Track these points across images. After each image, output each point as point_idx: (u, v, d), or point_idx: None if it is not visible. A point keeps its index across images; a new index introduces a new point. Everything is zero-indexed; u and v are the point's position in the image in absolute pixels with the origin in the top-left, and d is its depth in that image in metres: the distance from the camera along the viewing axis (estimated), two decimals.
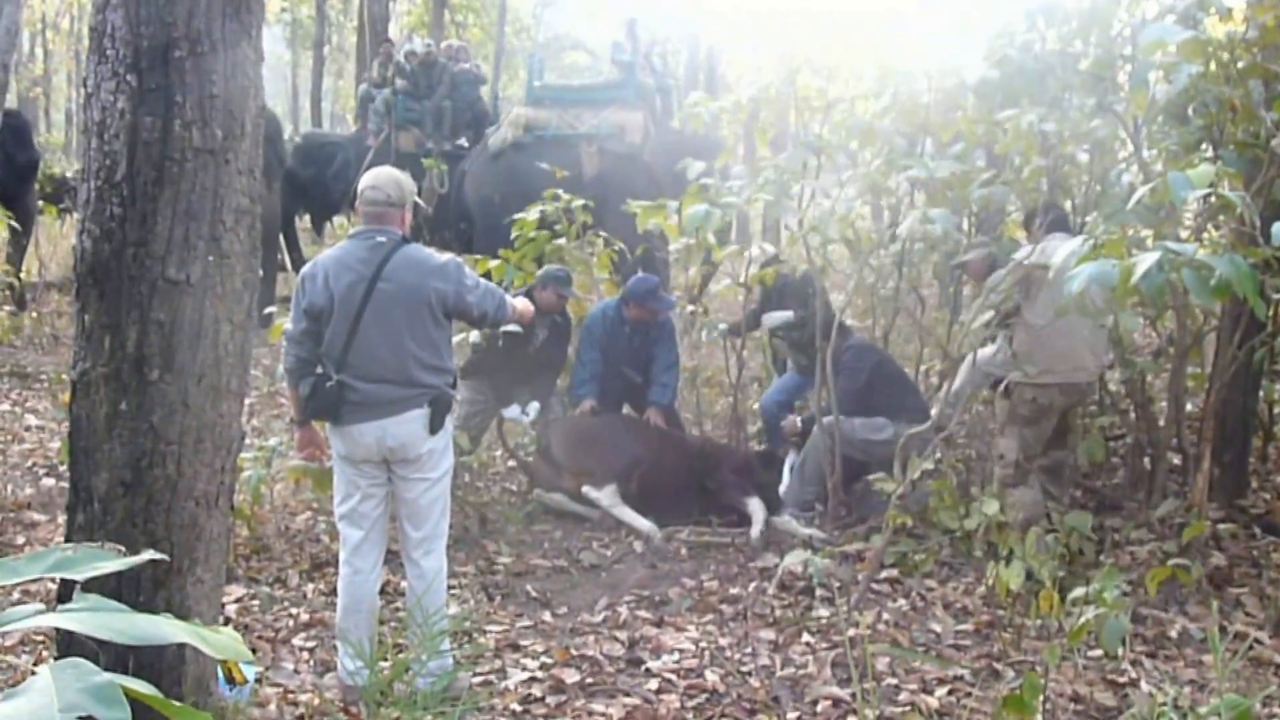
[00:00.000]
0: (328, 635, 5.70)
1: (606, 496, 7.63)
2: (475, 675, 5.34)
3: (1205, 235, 6.95)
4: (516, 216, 9.06)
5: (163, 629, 1.95)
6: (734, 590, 6.51)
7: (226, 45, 3.86)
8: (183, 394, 3.90)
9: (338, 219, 18.48)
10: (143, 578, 3.94)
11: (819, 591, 6.34)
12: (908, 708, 5.01)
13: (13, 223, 14.00)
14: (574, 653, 5.63)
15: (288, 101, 45.34)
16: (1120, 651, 5.21)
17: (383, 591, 5.68)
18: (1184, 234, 6.61)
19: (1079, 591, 4.88)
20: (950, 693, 5.17)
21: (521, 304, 5.68)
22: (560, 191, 9.29)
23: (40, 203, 15.84)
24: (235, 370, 4.10)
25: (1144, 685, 5.17)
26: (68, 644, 3.77)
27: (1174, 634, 5.76)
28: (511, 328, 6.44)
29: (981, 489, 6.78)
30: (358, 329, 5.01)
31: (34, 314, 14.21)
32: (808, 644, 5.75)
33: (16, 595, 5.80)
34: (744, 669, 5.45)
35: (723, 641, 5.78)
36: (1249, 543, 6.85)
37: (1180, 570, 5.56)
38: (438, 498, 5.24)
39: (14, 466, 8.50)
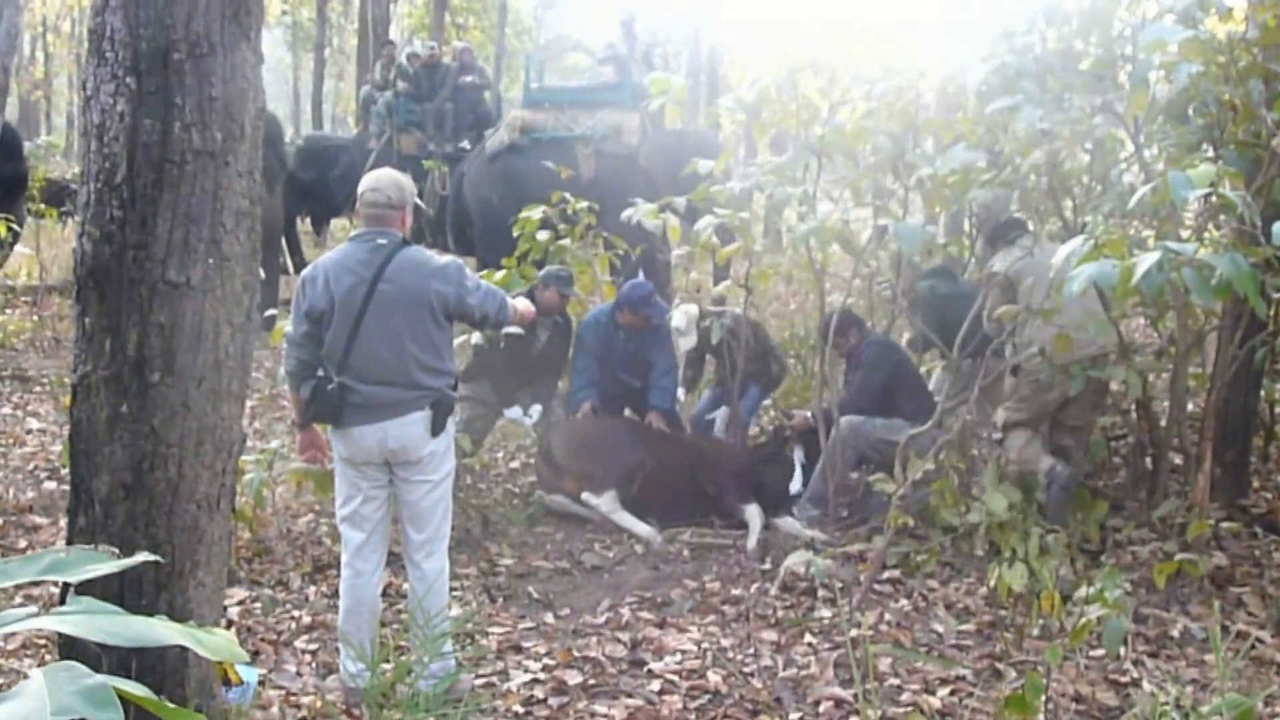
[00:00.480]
0: (330, 637, 5.70)
1: (606, 502, 7.63)
2: (477, 677, 5.34)
3: (1206, 235, 6.94)
4: (520, 216, 9.04)
5: (157, 631, 1.95)
6: (736, 591, 6.51)
7: (226, 48, 3.86)
8: (183, 397, 3.91)
9: (338, 221, 18.48)
10: (144, 580, 3.94)
11: (821, 592, 6.34)
12: (910, 708, 5.01)
13: (15, 227, 14.00)
14: (576, 654, 5.63)
15: (289, 104, 45.37)
16: (1122, 651, 5.20)
17: (385, 593, 5.68)
18: (1185, 234, 6.61)
19: (1081, 592, 4.88)
20: (952, 693, 5.17)
21: (523, 305, 5.67)
22: (566, 195, 9.28)
23: (42, 206, 15.83)
24: (236, 373, 4.10)
25: (1146, 685, 5.17)
26: (70, 648, 3.77)
27: (1176, 633, 5.76)
28: (513, 329, 6.43)
29: (983, 489, 6.77)
30: (359, 331, 5.00)
31: (35, 317, 14.20)
32: (810, 645, 5.75)
33: (19, 599, 5.80)
34: (746, 670, 5.45)
35: (725, 642, 5.78)
36: (1250, 542, 6.85)
37: (1188, 564, 5.56)
38: (439, 500, 5.23)
39: (16, 470, 8.50)
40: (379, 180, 5.22)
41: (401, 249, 5.10)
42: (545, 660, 5.57)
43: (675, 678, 5.35)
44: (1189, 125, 6.77)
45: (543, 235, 8.80)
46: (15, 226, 13.82)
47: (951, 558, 6.76)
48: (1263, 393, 7.78)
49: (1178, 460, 7.33)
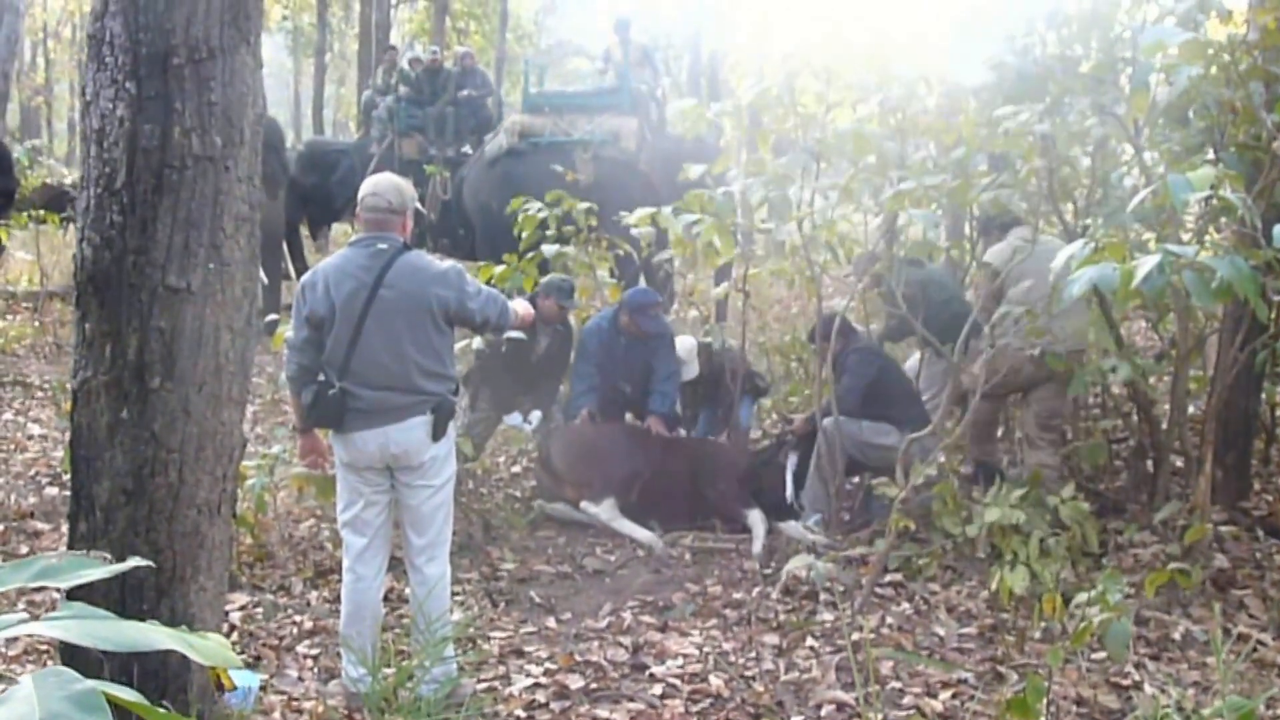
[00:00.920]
0: (331, 642, 5.70)
1: (605, 511, 7.62)
2: (479, 681, 5.34)
3: (1207, 238, 6.95)
4: (520, 215, 9.00)
5: (150, 636, 1.94)
6: (738, 595, 6.51)
7: (225, 52, 3.86)
8: (184, 402, 3.91)
9: (339, 226, 18.46)
10: (145, 586, 3.94)
11: (823, 596, 6.34)
12: (912, 711, 5.01)
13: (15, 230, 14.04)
14: (578, 658, 5.63)
15: (290, 109, 45.36)
16: (1124, 654, 5.20)
17: (386, 598, 5.68)
18: (1185, 236, 6.62)
19: (1082, 595, 4.88)
20: (954, 696, 5.17)
21: (522, 308, 5.67)
22: (564, 194, 9.24)
23: (42, 211, 15.85)
24: (236, 378, 4.10)
25: (1147, 688, 5.17)
26: (70, 655, 3.77)
27: (1177, 636, 5.76)
28: (515, 334, 6.42)
29: (984, 492, 6.77)
30: (359, 336, 5.00)
31: (36, 323, 14.20)
32: (812, 648, 5.75)
33: (22, 605, 5.80)
34: (748, 674, 5.45)
35: (727, 646, 5.77)
36: (1251, 545, 6.85)
37: (1180, 574, 5.56)
38: (441, 504, 5.23)
39: (17, 475, 8.50)
40: (379, 185, 5.22)
41: (402, 254, 5.10)
42: (547, 664, 5.57)
43: (677, 682, 5.35)
44: (1189, 128, 6.78)
45: (550, 250, 8.75)
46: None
47: (953, 561, 6.75)
48: (1264, 395, 7.78)
49: (1179, 463, 7.33)
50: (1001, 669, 5.43)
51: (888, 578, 6.57)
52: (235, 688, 4.66)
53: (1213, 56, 5.95)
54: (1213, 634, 4.59)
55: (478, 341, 7.53)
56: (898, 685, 5.30)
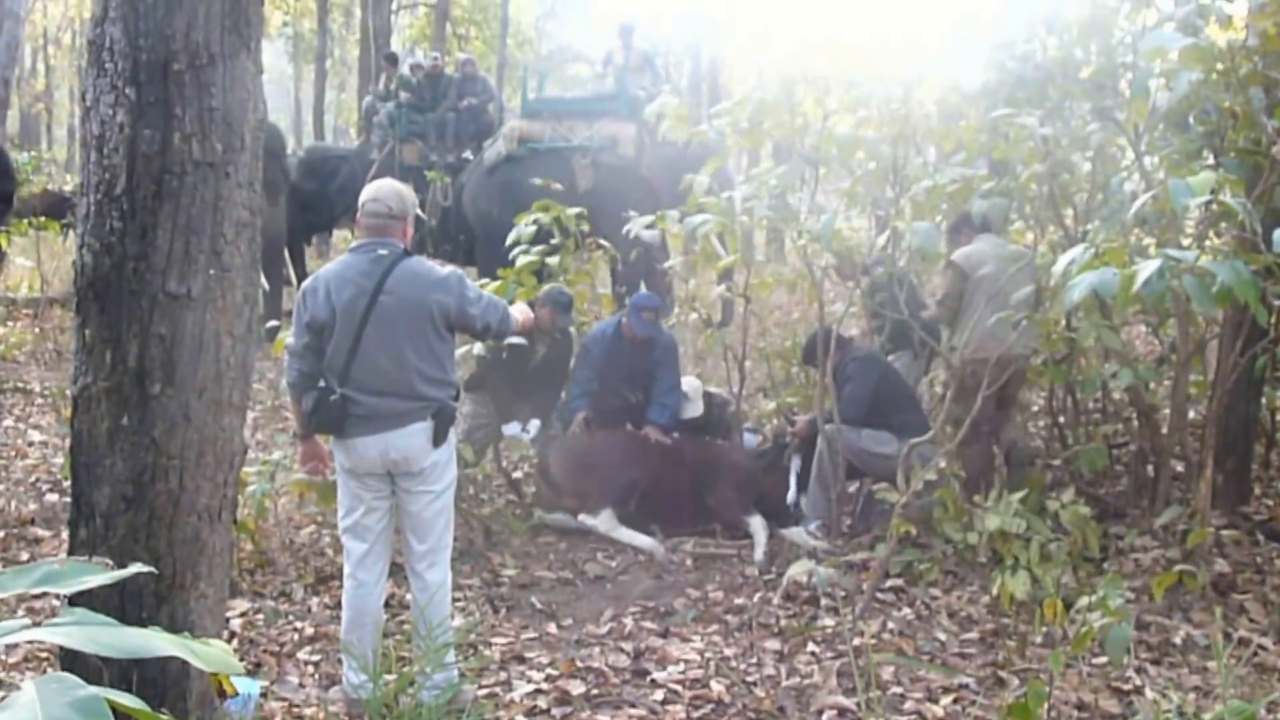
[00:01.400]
0: (332, 649, 5.70)
1: (603, 522, 7.61)
2: (480, 688, 5.34)
3: (1207, 242, 6.95)
4: (516, 229, 8.97)
5: (151, 642, 1.94)
6: (739, 600, 6.51)
7: (225, 58, 3.86)
8: (184, 408, 3.90)
9: (339, 232, 18.46)
10: (145, 592, 3.93)
11: (824, 601, 6.34)
12: (913, 716, 5.02)
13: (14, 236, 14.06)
14: (579, 664, 5.63)
15: (290, 115, 45.37)
16: (1125, 659, 5.20)
17: (387, 604, 5.68)
18: (1185, 241, 6.62)
19: (1083, 599, 4.88)
20: (955, 701, 5.17)
21: (522, 313, 5.66)
22: (550, 202, 9.17)
23: (42, 218, 15.86)
24: (237, 384, 4.09)
25: (1149, 692, 5.17)
26: (70, 661, 3.77)
27: (1178, 641, 5.76)
28: (515, 339, 6.42)
29: (985, 496, 6.77)
30: (360, 342, 5.00)
31: (37, 329, 14.21)
32: (813, 653, 5.75)
33: (22, 612, 5.80)
34: (749, 679, 5.45)
35: (728, 652, 5.78)
36: (1252, 549, 6.85)
37: (1186, 575, 5.56)
38: (441, 510, 5.23)
39: (18, 482, 8.50)
40: (380, 191, 5.22)
41: (402, 260, 5.09)
42: (548, 670, 5.57)
43: (678, 687, 5.35)
44: (1189, 133, 6.78)
45: (551, 260, 8.71)
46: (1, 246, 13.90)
47: (954, 566, 6.75)
48: (1264, 400, 7.78)
49: (1179, 468, 7.33)
50: (1003, 674, 5.43)
51: (889, 583, 6.57)
52: (236, 694, 4.66)
53: (1212, 62, 5.95)
54: (1213, 638, 4.60)
55: (478, 348, 7.52)
56: (899, 690, 5.30)
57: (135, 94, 3.77)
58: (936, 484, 6.84)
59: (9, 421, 10.34)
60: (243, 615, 6.14)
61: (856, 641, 5.68)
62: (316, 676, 5.54)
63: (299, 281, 14.12)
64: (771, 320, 14.28)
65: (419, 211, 5.42)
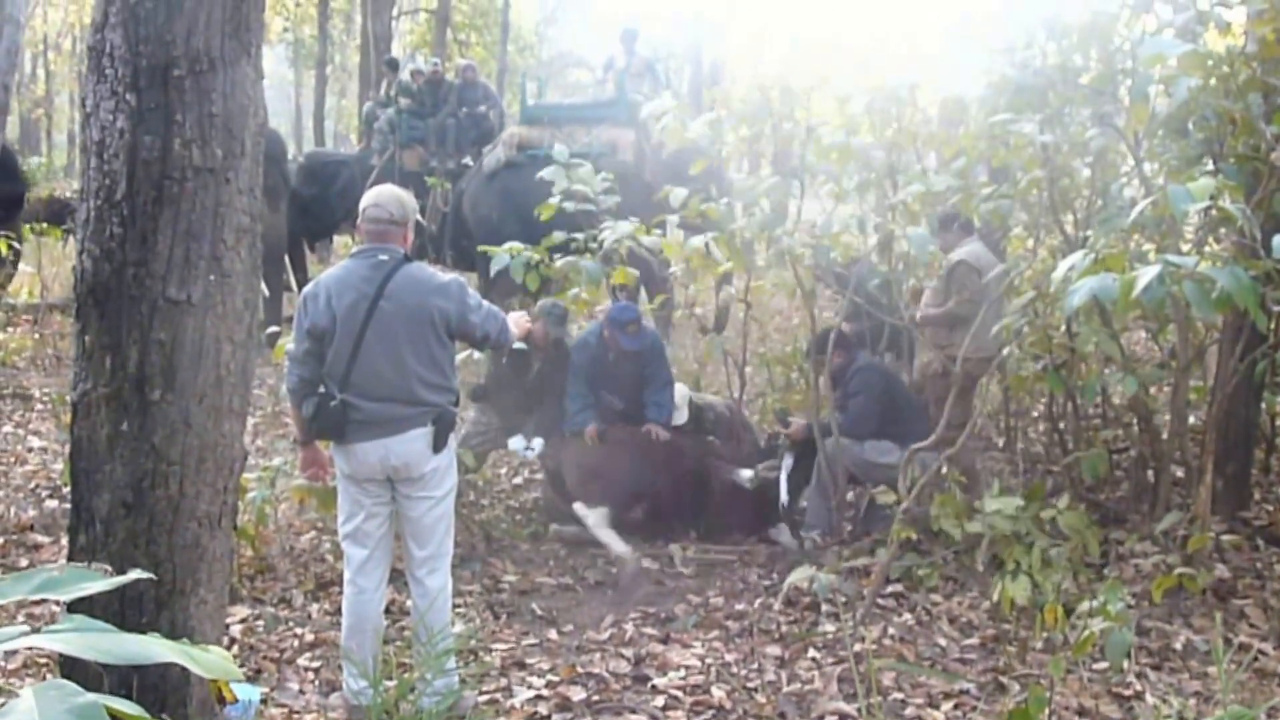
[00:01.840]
0: (333, 655, 5.70)
1: (594, 516, 7.60)
2: (481, 694, 5.34)
3: (1206, 248, 6.95)
4: (554, 238, 8.84)
5: (151, 648, 1.94)
6: (740, 606, 6.51)
7: (226, 64, 3.86)
8: (184, 414, 3.90)
9: (340, 238, 18.44)
10: (145, 598, 3.93)
11: (824, 607, 6.34)
12: None
13: (16, 245, 14.05)
14: (580, 670, 5.63)
15: (291, 121, 45.41)
16: (1125, 664, 5.20)
17: (388, 610, 5.68)
18: (1185, 247, 6.62)
19: (1084, 605, 4.88)
20: (956, 707, 5.17)
21: (517, 323, 5.65)
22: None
23: (44, 224, 15.88)
24: (237, 390, 4.09)
25: (1149, 698, 5.17)
26: (70, 667, 3.76)
27: (1178, 646, 5.76)
28: (518, 345, 6.41)
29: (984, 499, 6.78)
30: (360, 348, 5.00)
31: (37, 335, 14.20)
32: (813, 659, 5.75)
33: (21, 618, 5.80)
34: (750, 685, 5.45)
35: (729, 658, 5.78)
36: (1252, 554, 6.85)
37: (1185, 580, 5.56)
38: (442, 516, 5.23)
39: (17, 488, 8.49)
40: (381, 196, 5.22)
41: (403, 265, 5.10)
42: (549, 677, 5.57)
43: (679, 693, 5.35)
44: (1189, 139, 6.79)
45: (566, 261, 8.64)
46: (15, 245, 13.87)
47: (955, 572, 6.75)
48: (1263, 405, 7.77)
49: (1179, 473, 7.32)
50: (1003, 679, 5.43)
51: (889, 588, 6.57)
52: (236, 701, 4.64)
53: (1212, 68, 5.97)
54: (1214, 643, 4.59)
55: (478, 354, 7.51)
56: (900, 696, 5.30)
57: (136, 100, 3.77)
58: (937, 487, 6.85)
59: (8, 427, 10.34)
60: (243, 621, 6.14)
61: (857, 647, 5.68)
62: (317, 683, 5.54)
63: (300, 287, 14.14)
64: (772, 325, 14.29)
65: (419, 217, 5.41)
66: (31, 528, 7.56)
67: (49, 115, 42.44)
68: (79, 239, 3.94)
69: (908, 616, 6.27)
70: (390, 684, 4.89)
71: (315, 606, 6.46)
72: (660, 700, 5.29)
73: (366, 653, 5.06)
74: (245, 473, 5.47)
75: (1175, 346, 7.36)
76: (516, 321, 5.63)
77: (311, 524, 7.59)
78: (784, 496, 7.82)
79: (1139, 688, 5.28)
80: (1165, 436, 7.13)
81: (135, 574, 2.25)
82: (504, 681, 5.52)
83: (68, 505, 4.60)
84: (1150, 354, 10.43)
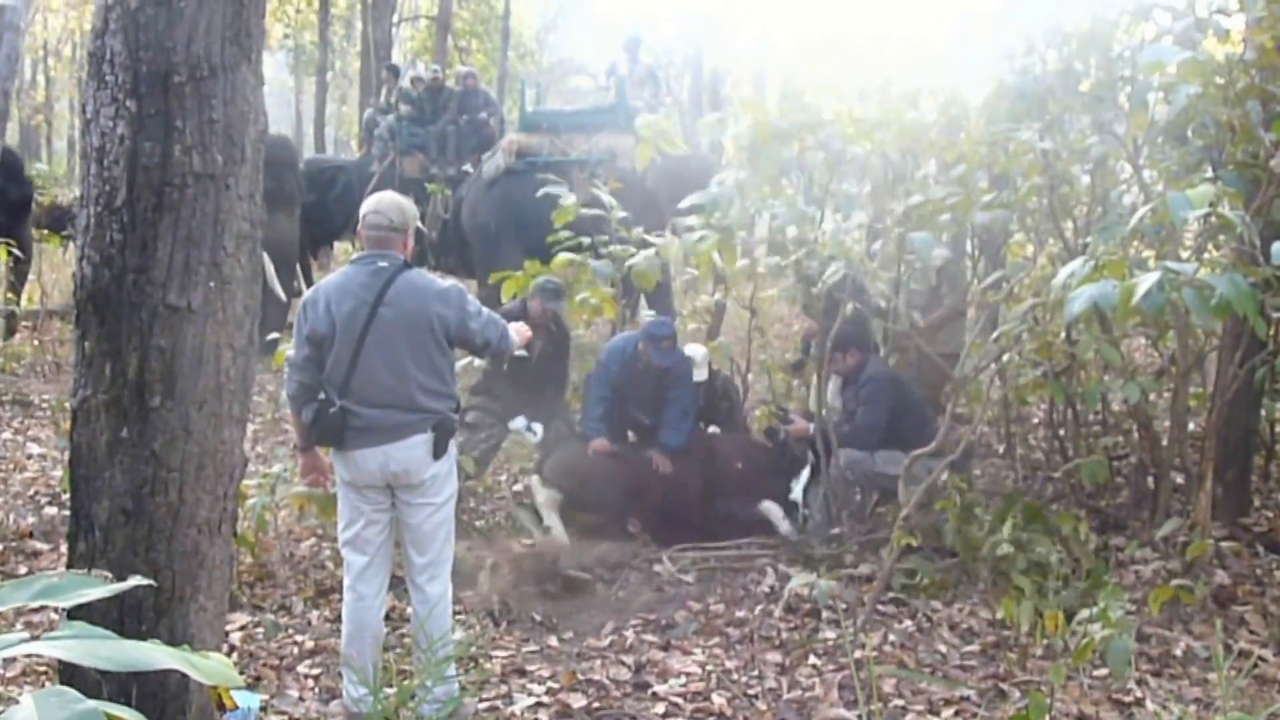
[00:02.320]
0: (333, 662, 5.69)
1: (543, 495, 7.61)
2: (481, 701, 5.33)
3: (1205, 255, 6.96)
4: (561, 238, 8.83)
5: (150, 655, 1.94)
6: (740, 613, 6.50)
7: (226, 70, 3.86)
8: (184, 421, 3.90)
9: (340, 244, 18.44)
10: (144, 605, 3.92)
11: (825, 614, 6.34)
12: None
13: (16, 251, 14.06)
14: (580, 677, 5.63)
15: (291, 127, 45.32)
16: (1125, 671, 5.20)
17: (388, 617, 5.68)
18: (1184, 254, 6.62)
19: (1084, 612, 4.88)
20: (956, 714, 5.17)
21: (518, 332, 5.65)
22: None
23: (44, 231, 15.90)
24: (237, 396, 4.09)
25: (1149, 704, 5.16)
26: (69, 675, 3.76)
27: (1179, 653, 5.75)
28: (520, 352, 6.41)
29: (987, 508, 6.77)
30: (360, 354, 5.01)
31: (35, 341, 14.21)
32: (814, 666, 5.75)
33: (20, 625, 5.79)
34: (751, 692, 5.45)
35: (729, 664, 5.77)
36: (1252, 561, 6.85)
37: (1185, 587, 5.56)
38: (442, 523, 5.23)
39: (16, 495, 8.49)
40: (381, 203, 5.22)
41: (402, 272, 5.10)
42: (549, 684, 5.57)
43: (680, 700, 5.35)
44: (1188, 146, 6.79)
45: (567, 257, 8.64)
46: (23, 251, 13.89)
47: (955, 578, 6.75)
48: (1263, 412, 7.78)
49: (1179, 480, 7.32)
50: (1004, 686, 5.43)
51: (890, 595, 6.57)
52: (235, 708, 4.65)
53: (1211, 76, 5.97)
54: (1214, 650, 4.60)
55: (479, 361, 7.52)
56: (900, 703, 5.30)
57: (136, 106, 3.77)
58: (939, 495, 6.85)
59: (8, 434, 10.33)
60: (242, 628, 6.14)
61: (858, 654, 5.68)
62: (316, 690, 5.54)
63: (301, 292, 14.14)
64: (773, 332, 14.28)
65: (419, 224, 5.41)
66: (31, 535, 7.56)
67: (49, 122, 42.44)
68: (79, 245, 3.94)
69: (908, 623, 6.27)
70: (390, 691, 4.89)
71: (315, 613, 6.45)
72: (661, 707, 5.28)
73: (366, 660, 5.06)
74: (245, 479, 5.46)
75: (1175, 353, 7.36)
76: (517, 329, 5.63)
77: (311, 531, 7.59)
78: (798, 492, 7.83)
79: (1139, 694, 5.28)
80: (1165, 443, 7.13)
81: (135, 581, 2.25)
82: (504, 689, 5.52)
83: (67, 512, 4.60)
84: (1150, 361, 10.43)
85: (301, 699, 5.41)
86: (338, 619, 5.54)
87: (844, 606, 6.30)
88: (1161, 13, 6.60)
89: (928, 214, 6.80)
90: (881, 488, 7.63)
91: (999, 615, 5.91)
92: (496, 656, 5.91)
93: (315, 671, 5.73)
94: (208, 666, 2.02)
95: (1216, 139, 6.52)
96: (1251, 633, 5.99)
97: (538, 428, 8.20)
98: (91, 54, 3.89)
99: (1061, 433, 8.51)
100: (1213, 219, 5.30)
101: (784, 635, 6.15)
